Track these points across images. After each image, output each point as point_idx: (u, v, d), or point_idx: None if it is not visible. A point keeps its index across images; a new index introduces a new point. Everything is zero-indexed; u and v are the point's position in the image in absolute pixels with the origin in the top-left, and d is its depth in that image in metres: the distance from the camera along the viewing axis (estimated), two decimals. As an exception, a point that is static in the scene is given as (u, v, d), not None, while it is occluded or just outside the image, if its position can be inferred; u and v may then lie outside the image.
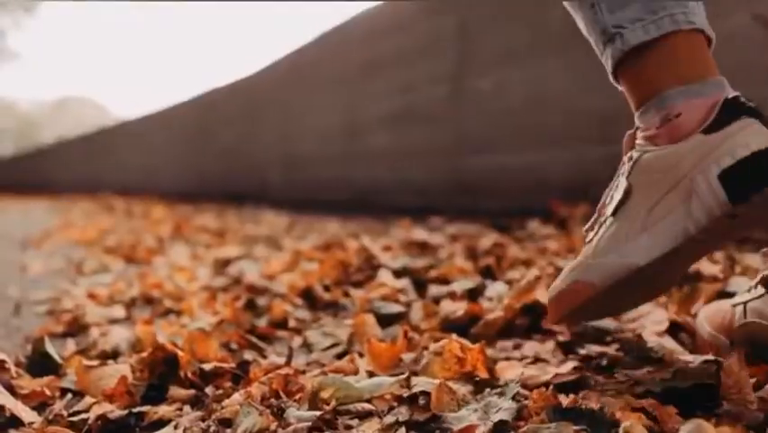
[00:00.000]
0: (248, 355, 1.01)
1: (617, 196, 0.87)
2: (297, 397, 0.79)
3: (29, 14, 21.76)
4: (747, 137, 0.78)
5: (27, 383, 0.91)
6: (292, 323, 1.28)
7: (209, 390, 0.86)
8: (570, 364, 0.92)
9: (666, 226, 0.80)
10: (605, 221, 0.87)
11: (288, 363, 0.93)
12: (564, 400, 0.71)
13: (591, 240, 0.87)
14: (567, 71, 2.77)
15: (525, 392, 0.76)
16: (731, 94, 0.82)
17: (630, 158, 0.87)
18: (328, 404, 0.75)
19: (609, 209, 0.87)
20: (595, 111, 2.62)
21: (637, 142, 0.88)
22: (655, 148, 0.84)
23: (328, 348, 1.10)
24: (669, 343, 0.95)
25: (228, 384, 0.88)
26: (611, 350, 0.99)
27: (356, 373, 0.90)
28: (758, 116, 0.80)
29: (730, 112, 0.80)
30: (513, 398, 0.74)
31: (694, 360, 0.87)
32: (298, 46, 5.60)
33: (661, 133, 0.84)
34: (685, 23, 0.84)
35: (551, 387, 0.73)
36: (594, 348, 0.99)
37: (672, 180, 0.81)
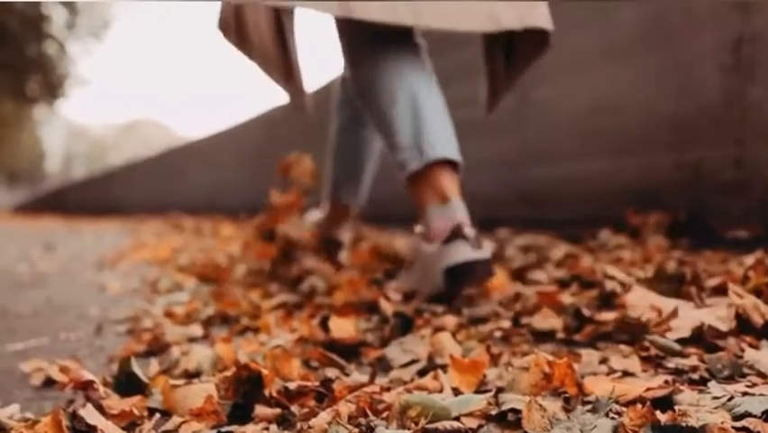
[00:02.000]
0: (330, 373, 1.01)
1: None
2: (383, 415, 0.78)
3: (98, 41, 22.41)
4: (457, 253, 1.42)
5: (116, 403, 0.93)
6: (369, 339, 1.27)
7: (295, 408, 0.86)
8: (660, 378, 0.89)
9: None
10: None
11: (371, 381, 0.92)
12: (662, 417, 0.69)
13: None
14: (637, 77, 2.72)
15: (619, 408, 0.74)
16: (457, 221, 1.47)
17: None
18: (416, 423, 0.74)
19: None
20: (667, 116, 2.56)
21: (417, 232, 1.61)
22: (425, 243, 1.53)
23: (408, 364, 1.09)
24: (766, 356, 0.91)
25: (312, 403, 0.88)
26: (703, 363, 0.96)
27: (441, 390, 0.88)
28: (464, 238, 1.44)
29: (455, 233, 1.44)
30: (607, 414, 0.72)
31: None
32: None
33: (427, 236, 1.53)
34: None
35: (647, 403, 0.71)
36: (685, 361, 0.96)
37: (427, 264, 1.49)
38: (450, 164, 1.59)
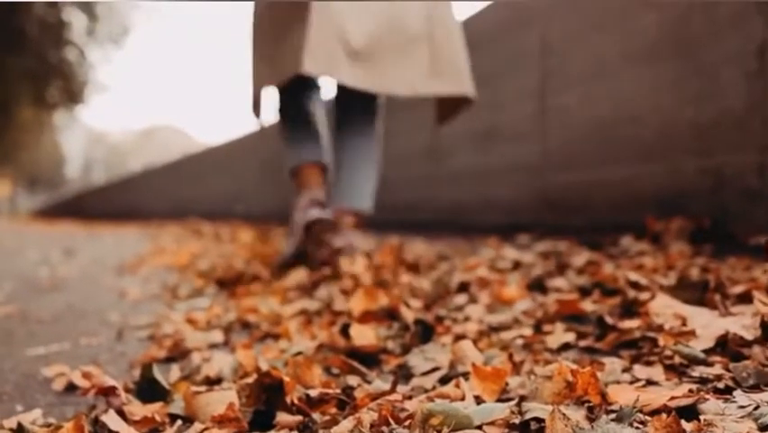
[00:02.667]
0: (351, 381, 1.01)
1: None
2: (405, 424, 0.78)
3: (117, 47, 22.60)
4: (311, 214, 2.27)
5: (137, 409, 0.93)
6: (390, 346, 1.27)
7: (316, 416, 0.86)
8: (685, 387, 0.88)
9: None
10: None
11: (393, 389, 0.92)
12: (687, 427, 0.68)
13: None
14: (659, 82, 2.70)
15: (644, 418, 0.73)
16: (314, 197, 2.34)
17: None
18: (439, 431, 0.74)
19: None
20: (689, 122, 2.54)
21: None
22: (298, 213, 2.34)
23: (429, 372, 1.08)
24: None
25: (334, 410, 0.88)
26: (728, 372, 0.94)
27: (463, 398, 0.88)
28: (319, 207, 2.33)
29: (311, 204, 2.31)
30: (631, 424, 0.71)
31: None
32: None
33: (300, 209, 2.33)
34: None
35: (672, 412, 0.70)
36: (709, 370, 0.95)
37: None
38: (316, 165, 2.42)
